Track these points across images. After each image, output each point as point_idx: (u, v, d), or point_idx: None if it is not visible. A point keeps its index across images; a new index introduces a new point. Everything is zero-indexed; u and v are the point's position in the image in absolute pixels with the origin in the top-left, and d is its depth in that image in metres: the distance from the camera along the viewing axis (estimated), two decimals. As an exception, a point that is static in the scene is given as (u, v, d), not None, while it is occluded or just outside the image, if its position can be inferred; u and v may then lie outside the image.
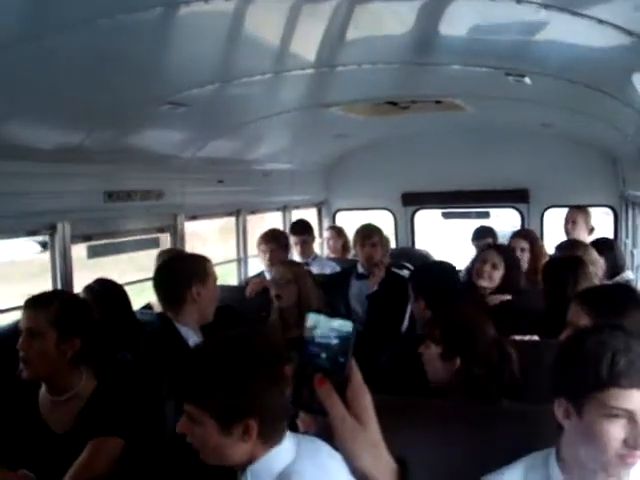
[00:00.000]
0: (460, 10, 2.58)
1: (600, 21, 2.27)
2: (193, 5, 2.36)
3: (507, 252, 4.60)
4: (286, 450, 1.80)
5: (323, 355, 1.04)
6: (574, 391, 1.78)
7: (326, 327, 1.05)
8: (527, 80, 3.69)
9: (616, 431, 1.70)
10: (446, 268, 4.01)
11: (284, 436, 1.81)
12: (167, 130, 4.32)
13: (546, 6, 2.29)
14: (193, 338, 3.28)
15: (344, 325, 1.06)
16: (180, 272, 3.36)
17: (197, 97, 3.64)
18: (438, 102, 5.08)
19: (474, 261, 4.61)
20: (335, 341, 1.05)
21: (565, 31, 2.68)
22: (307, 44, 3.20)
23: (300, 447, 1.83)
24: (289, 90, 4.19)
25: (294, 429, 1.90)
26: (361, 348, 1.13)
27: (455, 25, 2.90)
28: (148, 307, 4.65)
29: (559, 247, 4.97)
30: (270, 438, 1.79)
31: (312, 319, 1.06)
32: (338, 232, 7.08)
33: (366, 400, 1.05)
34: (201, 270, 3.41)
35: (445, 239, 10.06)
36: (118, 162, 4.15)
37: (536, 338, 3.58)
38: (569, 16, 2.33)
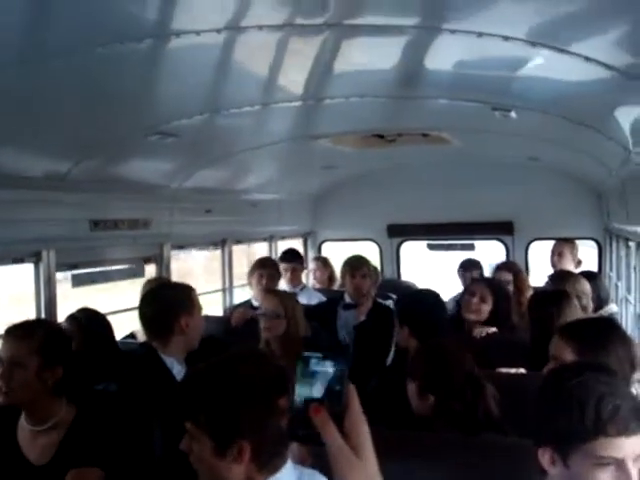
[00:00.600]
0: (447, 45, 2.60)
1: (586, 58, 2.30)
2: (184, 37, 2.37)
3: (496, 285, 4.61)
4: (288, 478, 1.79)
5: (319, 384, 1.03)
6: (559, 440, 1.73)
7: (321, 355, 1.04)
8: (513, 114, 3.74)
9: (606, 479, 1.66)
10: (431, 296, 4.01)
11: (283, 465, 1.79)
12: (155, 160, 4.33)
13: (532, 43, 2.32)
14: (177, 368, 3.26)
15: (338, 354, 1.06)
16: (167, 303, 3.34)
17: (186, 127, 3.66)
18: (425, 135, 5.13)
19: (462, 293, 4.62)
20: (330, 369, 1.03)
21: (550, 67, 2.71)
22: (295, 77, 3.22)
23: (302, 477, 1.81)
24: (277, 122, 4.21)
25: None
26: (349, 378, 1.12)
27: (442, 60, 2.93)
28: (131, 336, 4.61)
29: (551, 278, 5.00)
30: (266, 465, 1.77)
31: (306, 347, 1.06)
32: (324, 263, 7.09)
33: (364, 431, 1.03)
34: (188, 300, 3.40)
35: (431, 271, 10.07)
36: (105, 191, 4.14)
37: (522, 371, 3.58)
38: (555, 53, 2.36)
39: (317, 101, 3.68)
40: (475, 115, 3.95)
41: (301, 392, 1.03)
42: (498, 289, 4.50)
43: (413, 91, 3.56)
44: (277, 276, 5.62)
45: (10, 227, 3.53)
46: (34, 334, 2.61)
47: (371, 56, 2.96)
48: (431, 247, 8.52)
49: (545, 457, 1.77)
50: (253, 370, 1.83)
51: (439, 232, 7.56)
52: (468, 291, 4.43)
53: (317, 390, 1.03)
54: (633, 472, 1.64)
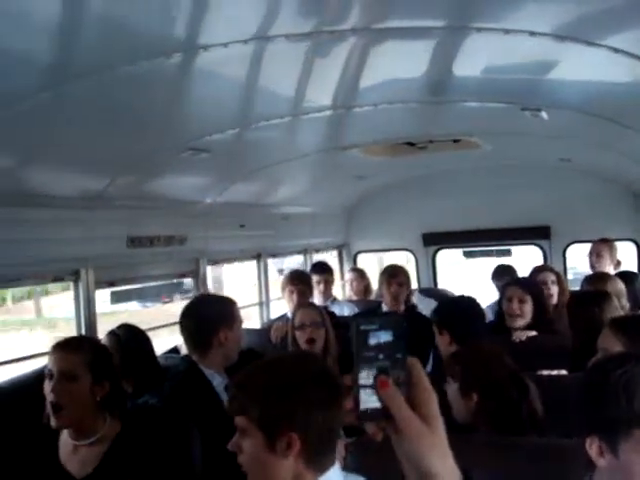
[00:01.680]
0: (473, 45, 2.60)
1: (615, 50, 2.28)
2: (212, 50, 2.40)
3: (530, 284, 4.56)
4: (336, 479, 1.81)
5: (380, 356, 1.00)
6: (607, 429, 1.68)
7: (377, 326, 1.02)
8: (544, 115, 3.71)
9: None
10: (470, 302, 3.99)
11: (331, 464, 1.81)
12: (189, 175, 4.37)
13: (559, 37, 2.31)
14: (218, 379, 3.27)
15: (395, 320, 1.03)
16: (207, 317, 3.36)
17: (217, 142, 3.69)
18: (455, 141, 5.10)
19: (499, 301, 4.56)
20: (389, 338, 1.01)
21: (580, 63, 2.69)
22: (323, 86, 3.24)
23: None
24: (307, 133, 4.24)
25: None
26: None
27: (469, 61, 2.93)
28: (175, 350, 4.65)
29: (587, 279, 4.93)
30: (315, 461, 1.78)
31: (360, 321, 1.02)
32: (361, 274, 7.08)
33: (432, 399, 1.01)
34: (228, 314, 3.42)
35: (467, 278, 10.01)
36: (141, 208, 4.19)
37: (564, 372, 3.54)
38: (583, 46, 2.34)
39: (346, 110, 3.70)
40: (505, 117, 3.93)
41: (363, 367, 1.01)
42: (534, 288, 4.45)
43: (442, 95, 3.56)
44: (308, 290, 5.61)
45: (49, 246, 3.58)
46: (84, 348, 2.64)
47: (399, 61, 2.97)
48: (467, 254, 8.48)
49: (593, 448, 1.72)
50: (301, 364, 1.89)
51: (475, 239, 7.50)
52: (505, 297, 4.38)
53: (379, 362, 1.00)
54: None
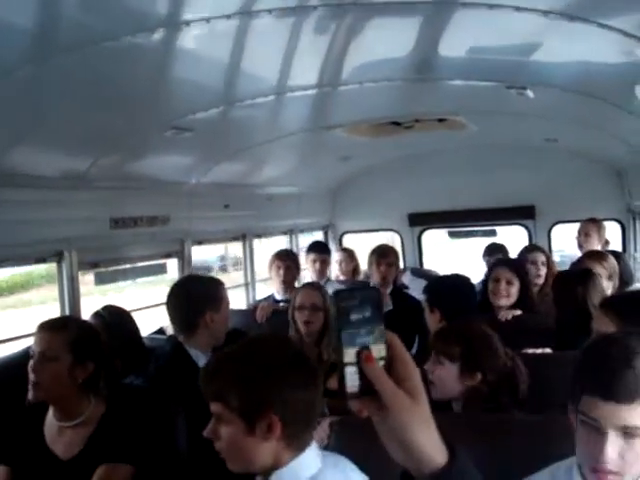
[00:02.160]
0: (459, 22, 2.58)
1: (603, 26, 2.26)
2: (194, 26, 2.37)
3: (517, 265, 4.57)
4: (312, 458, 1.82)
5: (362, 331, 0.98)
6: (572, 398, 1.70)
7: (357, 301, 1.00)
8: (529, 93, 3.70)
9: (588, 441, 1.61)
10: (462, 280, 3.98)
11: (309, 443, 1.83)
12: (172, 155, 4.33)
13: (545, 12, 2.29)
14: (203, 361, 3.25)
15: (372, 293, 1.01)
16: (194, 297, 3.34)
17: (201, 121, 3.66)
18: (441, 120, 5.09)
19: (485, 280, 4.57)
20: (368, 313, 0.99)
21: (566, 40, 2.68)
22: (309, 64, 3.21)
23: (325, 460, 1.85)
24: (292, 112, 4.20)
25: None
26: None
27: (455, 38, 2.90)
28: (160, 331, 4.63)
29: (585, 256, 4.94)
30: (294, 441, 1.79)
31: (341, 297, 1.00)
32: (350, 254, 7.07)
33: (415, 372, 1.00)
34: (215, 295, 3.40)
35: (452, 259, 10.04)
36: (124, 188, 4.14)
37: (548, 351, 3.55)
38: (570, 23, 2.32)
39: (331, 88, 3.66)
40: (490, 95, 3.92)
41: (346, 344, 0.99)
42: (521, 269, 4.46)
43: (427, 73, 3.54)
44: (295, 268, 5.61)
45: (31, 227, 3.54)
46: (67, 329, 2.62)
47: (384, 38, 2.94)
48: (452, 234, 8.50)
49: (571, 416, 1.74)
50: (276, 347, 1.89)
51: (460, 219, 7.51)
52: (492, 277, 4.37)
53: (362, 338, 0.98)
54: (611, 439, 1.58)
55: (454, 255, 9.61)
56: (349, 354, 0.98)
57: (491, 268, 4.56)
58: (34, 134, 3.16)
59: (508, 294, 4.25)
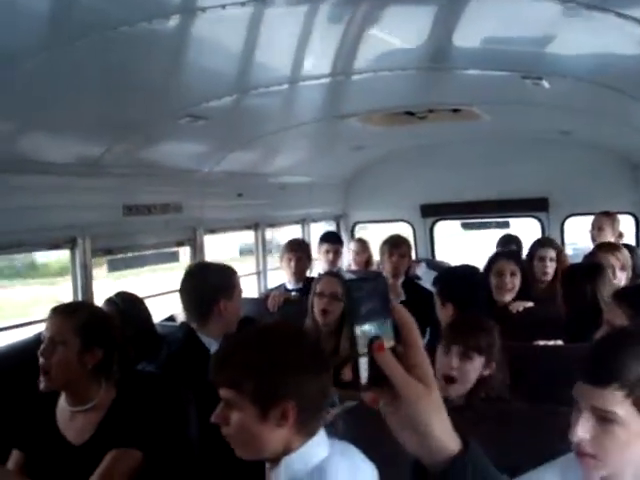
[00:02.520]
0: (474, 11, 2.56)
1: (621, 15, 2.23)
2: (210, 12, 2.36)
3: (516, 255, 4.54)
4: (321, 445, 1.81)
5: (372, 321, 0.98)
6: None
7: (366, 291, 1.00)
8: (545, 83, 3.67)
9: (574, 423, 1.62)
10: (472, 271, 3.95)
11: (319, 430, 1.82)
12: (186, 143, 4.35)
13: (562, 1, 2.26)
14: (215, 348, 3.26)
15: (379, 282, 1.00)
16: (208, 285, 3.34)
17: (215, 109, 3.66)
18: (455, 111, 5.06)
19: (486, 271, 4.47)
20: (377, 302, 0.98)
21: (584, 29, 2.65)
22: (323, 52, 3.20)
23: (334, 446, 1.84)
24: (305, 101, 4.20)
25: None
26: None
27: (470, 27, 2.88)
28: (171, 319, 4.65)
29: (597, 247, 4.92)
30: (306, 428, 1.79)
31: (352, 288, 0.99)
32: (364, 245, 7.06)
33: (427, 361, 1.00)
34: (228, 283, 3.40)
35: (465, 251, 10.01)
36: (137, 175, 4.17)
37: (560, 343, 3.54)
38: (587, 12, 2.30)
39: (345, 77, 3.65)
40: (505, 85, 3.89)
41: (359, 335, 0.99)
42: (522, 261, 4.44)
43: (442, 63, 3.52)
44: (306, 259, 5.60)
45: (45, 213, 3.56)
46: (76, 314, 2.62)
47: (399, 27, 2.93)
48: (465, 226, 8.47)
49: None
50: (289, 334, 1.88)
51: (473, 210, 7.48)
52: (495, 271, 4.27)
53: (373, 328, 0.97)
54: (583, 419, 1.57)
55: (467, 246, 9.57)
56: (361, 344, 0.98)
57: (491, 262, 4.46)
58: (47, 120, 3.18)
59: (513, 286, 4.21)
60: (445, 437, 0.99)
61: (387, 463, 1.86)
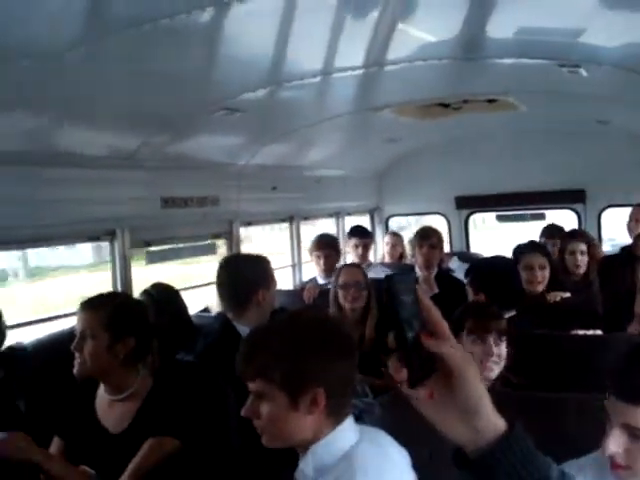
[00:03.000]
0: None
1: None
2: (245, 4, 2.38)
3: (545, 248, 4.50)
4: (350, 431, 1.81)
5: (412, 313, 1.00)
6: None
7: (404, 285, 1.01)
8: (582, 72, 3.62)
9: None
10: (507, 262, 3.93)
11: (348, 416, 1.83)
12: (222, 136, 4.39)
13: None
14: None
15: (412, 276, 1.03)
16: (247, 276, 3.38)
17: (250, 102, 3.69)
18: (491, 101, 5.03)
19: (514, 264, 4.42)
20: (412, 295, 1.00)
21: (620, 16, 2.62)
22: (356, 43, 3.19)
23: (363, 433, 1.84)
24: (339, 93, 4.20)
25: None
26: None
27: (504, 15, 2.86)
28: (206, 311, 4.70)
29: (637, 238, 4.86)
30: (335, 414, 1.79)
31: (394, 281, 1.01)
32: (397, 238, 7.06)
33: (458, 346, 1.03)
34: (266, 273, 3.45)
35: (500, 244, 9.92)
36: (174, 168, 4.21)
37: (599, 332, 3.51)
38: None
39: (378, 68, 3.64)
40: (541, 74, 3.85)
41: (406, 328, 1.00)
42: (546, 252, 4.40)
43: (476, 52, 3.49)
44: (335, 255, 5.62)
45: (84, 206, 3.62)
46: (103, 308, 2.64)
47: (432, 17, 2.92)
48: (500, 218, 8.39)
49: None
50: (316, 320, 1.89)
51: (508, 202, 7.41)
52: (525, 265, 4.18)
53: (414, 321, 1.00)
54: (615, 435, 1.58)
55: (502, 239, 9.48)
56: (409, 338, 1.00)
57: (518, 255, 4.40)
58: (84, 114, 3.22)
59: (543, 279, 4.18)
60: (493, 416, 1.02)
61: (424, 451, 1.88)
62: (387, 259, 6.91)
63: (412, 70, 3.62)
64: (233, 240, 5.07)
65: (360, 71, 3.65)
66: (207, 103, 3.62)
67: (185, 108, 3.60)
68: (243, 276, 3.38)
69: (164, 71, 3.01)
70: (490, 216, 8.54)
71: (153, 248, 4.30)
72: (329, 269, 5.42)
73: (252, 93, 3.59)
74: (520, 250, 4.57)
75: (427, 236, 5.22)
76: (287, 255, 6.27)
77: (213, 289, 4.38)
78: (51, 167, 3.37)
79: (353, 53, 3.34)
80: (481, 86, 4.49)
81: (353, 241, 6.07)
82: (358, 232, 6.22)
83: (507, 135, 6.82)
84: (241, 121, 3.94)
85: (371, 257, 6.92)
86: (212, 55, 3.03)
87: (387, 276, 1.02)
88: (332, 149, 5.98)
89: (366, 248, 6.14)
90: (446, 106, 5.14)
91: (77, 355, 2.61)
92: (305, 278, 6.10)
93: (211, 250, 4.91)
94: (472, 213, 7.74)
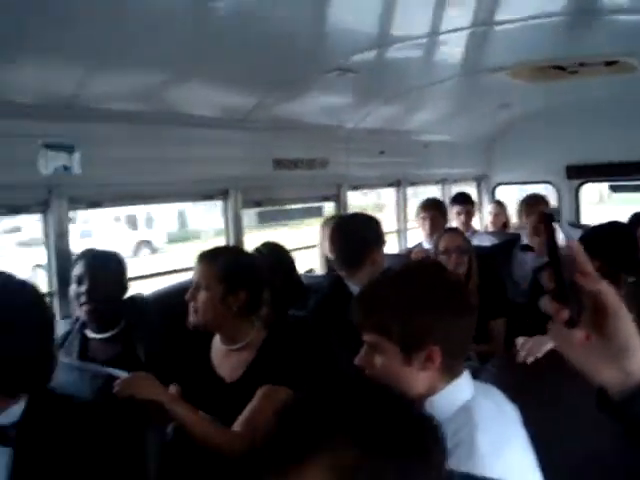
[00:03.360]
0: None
1: None
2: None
3: None
4: (465, 386, 1.79)
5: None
6: None
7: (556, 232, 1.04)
8: None
9: None
10: (620, 227, 3.79)
11: (463, 371, 1.80)
12: (332, 98, 4.41)
13: None
14: (362, 297, 3.32)
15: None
16: (362, 235, 3.42)
17: (360, 63, 3.68)
18: (609, 64, 4.82)
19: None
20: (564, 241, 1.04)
21: None
22: (465, 1, 3.13)
23: (477, 388, 1.82)
24: (448, 54, 4.11)
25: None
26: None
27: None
28: (310, 272, 4.78)
29: None
30: (449, 372, 1.76)
31: (551, 220, 1.05)
32: (501, 207, 6.94)
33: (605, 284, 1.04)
34: (378, 233, 3.48)
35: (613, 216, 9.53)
36: (285, 130, 4.29)
37: None
38: None
39: (488, 28, 3.57)
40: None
41: (563, 269, 1.02)
42: None
43: (594, 7, 3.36)
44: (441, 218, 5.57)
45: (201, 166, 3.76)
46: (218, 260, 2.71)
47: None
48: (614, 189, 8.07)
49: None
50: (434, 274, 1.84)
51: (623, 172, 7.08)
52: None
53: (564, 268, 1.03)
54: None
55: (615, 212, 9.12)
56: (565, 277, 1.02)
57: (636, 222, 4.22)
58: (200, 73, 3.32)
59: None
60: None
61: (534, 408, 1.86)
62: (490, 228, 6.82)
63: (524, 30, 3.52)
64: (341, 204, 5.12)
65: (469, 31, 3.58)
66: (320, 63, 3.64)
67: (298, 69, 3.64)
68: (358, 235, 3.41)
69: (279, 31, 3.05)
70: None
71: (263, 208, 4.41)
72: (434, 232, 5.39)
73: (362, 54, 3.60)
74: (638, 217, 4.41)
75: (536, 204, 5.13)
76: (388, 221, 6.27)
77: (315, 252, 4.51)
78: (165, 125, 3.52)
79: (462, 12, 3.28)
80: (599, 47, 4.30)
81: (456, 208, 6.02)
82: (460, 199, 6.16)
83: (625, 100, 6.49)
84: (351, 82, 3.95)
85: (477, 225, 6.85)
86: (323, 15, 3.05)
87: (545, 214, 1.05)
88: (440, 114, 5.91)
89: (469, 215, 6.07)
90: (562, 69, 4.96)
91: (191, 305, 2.70)
92: (410, 245, 6.09)
93: (319, 213, 4.97)
94: (584, 183, 7.47)
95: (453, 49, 3.98)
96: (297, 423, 1.10)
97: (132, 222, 17.64)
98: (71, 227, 3.40)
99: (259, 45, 3.14)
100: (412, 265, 1.91)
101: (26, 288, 2.03)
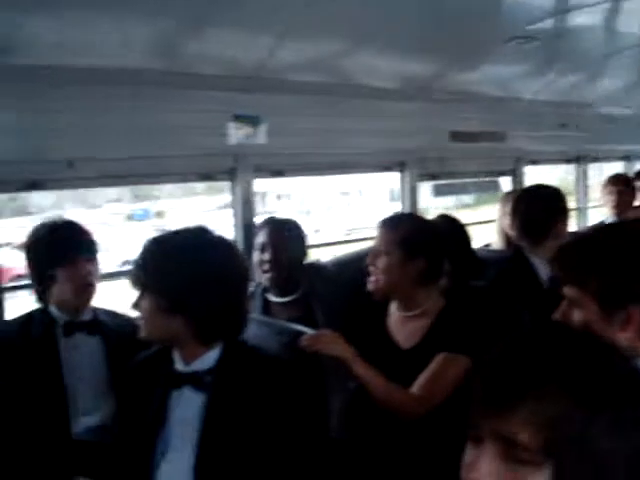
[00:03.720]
0: None
1: None
2: None
3: None
4: None
5: None
6: None
7: None
8: None
9: None
10: None
11: None
12: (510, 67, 4.31)
13: None
14: (545, 271, 3.22)
15: None
16: (548, 206, 3.35)
17: (540, 31, 3.57)
18: None
19: None
20: None
21: None
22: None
23: None
24: (632, 20, 3.89)
25: None
26: None
27: None
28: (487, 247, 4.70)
29: None
30: None
31: None
32: None
33: None
34: (564, 206, 3.40)
35: None
36: (462, 101, 4.24)
37: None
38: None
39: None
40: None
41: None
42: None
43: None
44: (629, 193, 5.30)
45: (380, 137, 3.82)
46: (398, 227, 2.73)
47: None
48: None
49: None
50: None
51: None
52: None
53: None
54: None
55: None
56: None
57: None
58: (376, 44, 3.35)
59: None
60: None
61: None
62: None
63: None
64: (518, 179, 4.99)
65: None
66: (498, 32, 3.57)
67: (476, 38, 3.59)
68: (544, 206, 3.33)
69: (459, 1, 3.02)
70: None
71: (439, 181, 4.39)
72: (620, 207, 5.17)
73: (542, 23, 3.49)
74: None
75: None
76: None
77: (491, 227, 4.43)
78: (351, 99, 3.60)
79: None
80: None
81: (638, 184, 5.71)
82: None
83: None
84: (530, 52, 3.84)
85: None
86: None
87: None
88: (622, 85, 5.56)
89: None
90: None
91: (371, 270, 2.74)
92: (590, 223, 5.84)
93: (495, 187, 4.88)
94: None
95: (636, 15, 3.74)
96: (509, 369, 1.05)
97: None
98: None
99: (436, 14, 3.14)
100: (622, 223, 1.82)
101: (227, 243, 2.18)
